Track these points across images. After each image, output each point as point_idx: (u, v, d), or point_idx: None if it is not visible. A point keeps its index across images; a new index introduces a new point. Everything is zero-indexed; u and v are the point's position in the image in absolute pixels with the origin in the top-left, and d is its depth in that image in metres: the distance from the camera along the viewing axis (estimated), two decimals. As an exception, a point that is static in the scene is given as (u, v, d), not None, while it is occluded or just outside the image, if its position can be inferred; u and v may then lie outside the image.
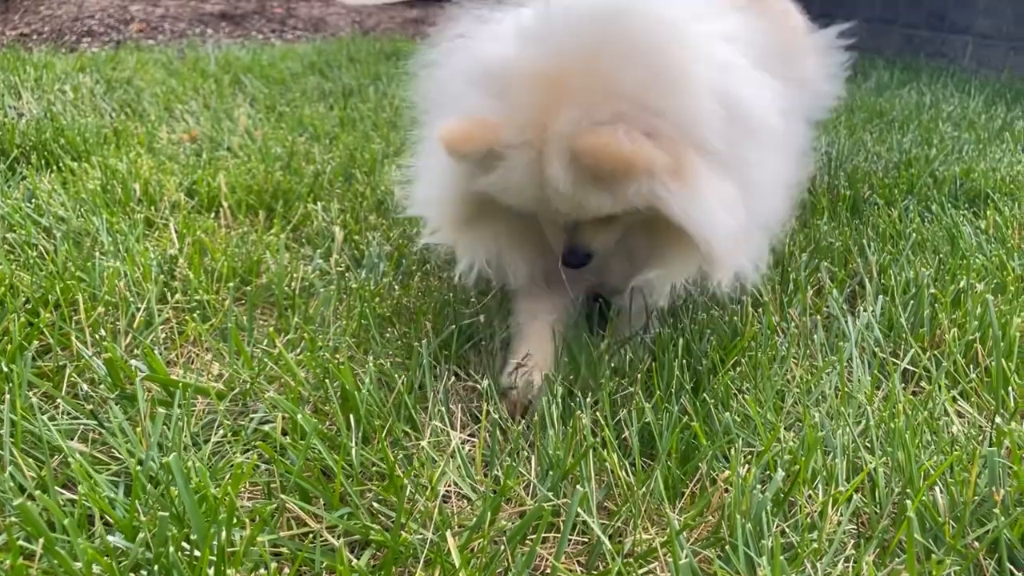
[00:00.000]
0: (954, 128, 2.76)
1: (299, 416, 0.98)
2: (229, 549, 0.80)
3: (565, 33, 1.01)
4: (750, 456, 0.99)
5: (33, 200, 1.69)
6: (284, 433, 1.02)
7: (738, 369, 1.17)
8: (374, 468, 0.98)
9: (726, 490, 0.92)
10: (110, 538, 0.79)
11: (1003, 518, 0.85)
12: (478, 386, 1.11)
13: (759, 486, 0.90)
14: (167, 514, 0.78)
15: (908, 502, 0.87)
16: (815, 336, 1.27)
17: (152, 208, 1.72)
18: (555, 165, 0.98)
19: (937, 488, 0.91)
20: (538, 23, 1.04)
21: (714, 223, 1.00)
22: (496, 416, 1.02)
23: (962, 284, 1.36)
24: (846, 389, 1.11)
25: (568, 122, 0.97)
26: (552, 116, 0.98)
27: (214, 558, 0.77)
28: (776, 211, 1.19)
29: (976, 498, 0.91)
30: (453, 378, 1.16)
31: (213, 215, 1.73)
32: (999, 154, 2.34)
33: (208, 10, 5.34)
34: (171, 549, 0.75)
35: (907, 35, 4.91)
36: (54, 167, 1.93)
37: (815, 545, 0.84)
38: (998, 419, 1.01)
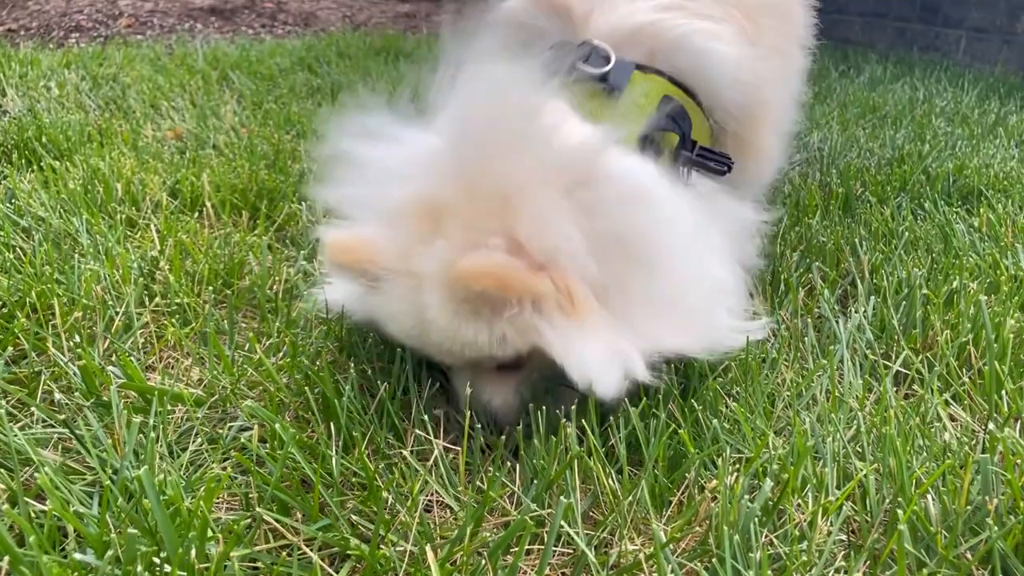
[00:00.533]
0: (947, 123, 2.75)
1: (277, 425, 0.95)
2: (202, 565, 0.78)
3: (443, 162, 0.99)
4: (739, 464, 0.97)
5: (13, 200, 1.66)
6: (263, 441, 0.99)
7: (729, 375, 1.15)
8: (354, 478, 0.95)
9: (714, 499, 0.90)
10: (76, 555, 0.76)
11: (996, 528, 0.83)
12: (468, 390, 1.09)
13: (747, 496, 0.88)
14: (136, 531, 0.75)
15: (900, 511, 0.85)
16: (806, 338, 1.25)
17: (134, 208, 1.69)
18: (429, 292, 0.94)
19: (929, 496, 0.89)
20: (422, 148, 1.02)
21: (605, 357, 0.93)
22: (479, 425, 0.99)
23: (955, 284, 1.34)
24: (837, 394, 1.09)
25: (444, 254, 0.93)
26: (428, 248, 0.95)
27: (185, 574, 0.75)
28: (731, 287, 1.09)
29: (969, 507, 0.89)
30: (438, 384, 1.13)
31: (197, 215, 1.71)
32: (992, 150, 2.32)
33: (197, 5, 5.29)
34: (139, 568, 0.73)
35: (900, 29, 4.89)
36: (35, 166, 1.90)
37: (804, 557, 0.82)
38: (991, 425, 0.99)
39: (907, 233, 1.60)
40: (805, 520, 0.88)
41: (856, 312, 1.30)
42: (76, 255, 1.43)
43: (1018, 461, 0.93)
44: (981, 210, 1.75)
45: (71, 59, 3.21)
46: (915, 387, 1.17)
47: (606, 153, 1.01)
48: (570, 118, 1.06)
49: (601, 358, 0.92)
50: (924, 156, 2.18)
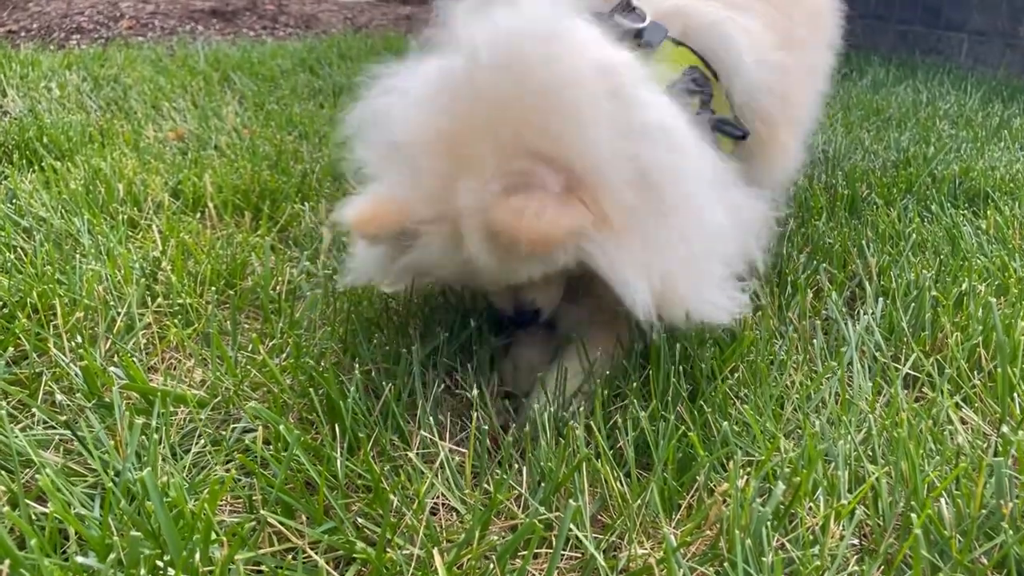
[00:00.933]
0: (951, 126, 2.74)
1: (281, 427, 0.94)
2: (206, 568, 0.77)
3: (463, 89, 0.93)
4: (749, 467, 0.96)
5: (14, 200, 1.65)
6: (267, 443, 0.98)
7: (736, 375, 1.14)
8: (360, 480, 0.94)
9: (724, 503, 0.88)
10: (78, 558, 0.75)
11: (1011, 532, 0.82)
12: (468, 395, 1.08)
13: (759, 499, 0.87)
14: (139, 534, 0.74)
15: (913, 516, 0.84)
16: (815, 340, 1.23)
17: (136, 209, 1.68)
18: (473, 242, 0.91)
19: (943, 500, 0.88)
20: (437, 79, 0.97)
21: (640, 275, 0.93)
22: (486, 426, 0.98)
23: (964, 286, 1.33)
24: (847, 396, 1.08)
25: (476, 193, 0.89)
26: (459, 187, 0.90)
27: (189, 579, 0.74)
28: (731, 242, 1.07)
29: (983, 511, 0.88)
30: (443, 386, 1.12)
31: (199, 215, 1.69)
32: (997, 152, 2.31)
33: (199, 7, 5.28)
34: (142, 571, 0.72)
35: (902, 32, 4.89)
36: (37, 166, 1.89)
37: (817, 562, 0.80)
38: (1004, 428, 0.98)
39: (914, 235, 1.59)
40: (817, 524, 0.87)
41: (865, 314, 1.29)
42: (77, 255, 1.42)
43: (1032, 464, 0.92)
44: (988, 212, 1.74)
45: (72, 60, 3.20)
46: (925, 390, 1.16)
47: (640, 76, 0.99)
48: (603, 40, 1.01)
49: (638, 273, 0.93)
50: (930, 159, 2.17)
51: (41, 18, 4.75)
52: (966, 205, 1.85)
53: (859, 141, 2.44)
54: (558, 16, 0.96)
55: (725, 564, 0.81)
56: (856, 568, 0.83)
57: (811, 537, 0.85)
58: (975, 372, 1.17)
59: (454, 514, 0.92)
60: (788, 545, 0.85)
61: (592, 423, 1.00)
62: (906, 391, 1.15)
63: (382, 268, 1.08)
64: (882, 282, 1.42)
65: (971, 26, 4.49)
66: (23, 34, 4.48)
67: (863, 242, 1.55)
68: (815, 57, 1.52)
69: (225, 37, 4.66)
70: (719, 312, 1.02)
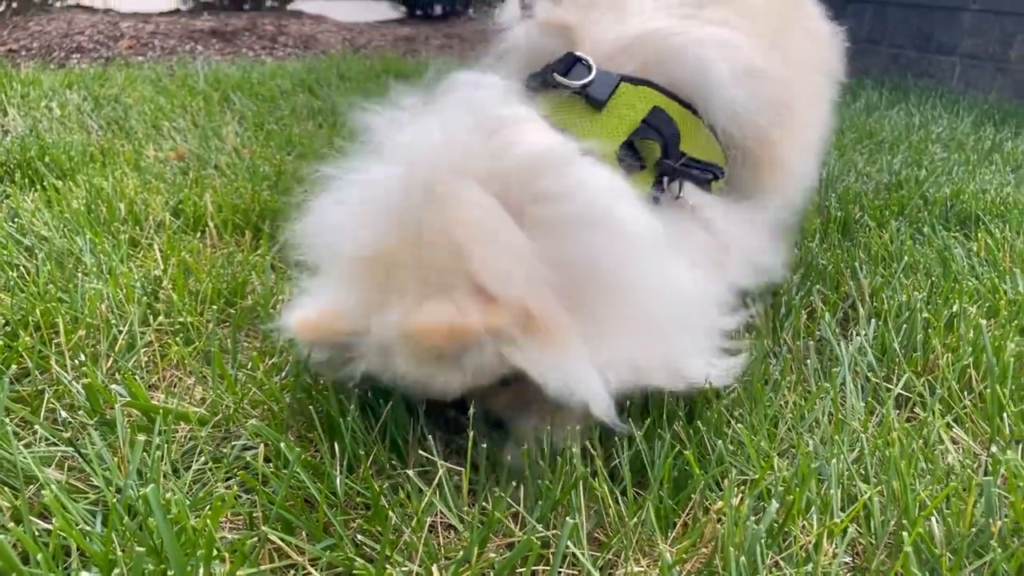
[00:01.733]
0: (944, 149, 2.77)
1: (282, 444, 0.95)
2: (208, 584, 0.78)
3: (393, 215, 0.96)
4: (744, 485, 0.98)
5: (16, 219, 1.67)
6: (267, 460, 0.99)
7: (732, 395, 1.15)
8: (359, 498, 0.95)
9: (719, 521, 0.90)
10: (83, 574, 0.76)
11: (1000, 550, 0.84)
12: (466, 414, 1.09)
13: (753, 517, 0.88)
14: (143, 550, 0.75)
15: (904, 534, 0.85)
16: (808, 361, 1.25)
17: (137, 228, 1.70)
18: (398, 354, 0.92)
19: (934, 518, 0.89)
20: (373, 200, 0.99)
21: (583, 375, 0.89)
22: (484, 445, 1.00)
23: (955, 308, 1.35)
24: (840, 416, 1.09)
25: (399, 308, 0.91)
26: (385, 300, 0.92)
27: (192, 595, 0.75)
28: (701, 309, 1.04)
29: (973, 529, 0.89)
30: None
31: (199, 234, 1.71)
32: (988, 175, 2.34)
33: (199, 27, 5.33)
34: (146, 586, 0.73)
35: (894, 55, 4.95)
36: (38, 186, 1.91)
37: (810, 579, 0.82)
38: (993, 448, 1.00)
39: (906, 257, 1.61)
40: (811, 542, 0.88)
41: (857, 335, 1.31)
42: (80, 274, 1.43)
43: (1020, 483, 0.93)
44: (979, 235, 1.77)
45: (73, 79, 3.22)
46: (916, 410, 1.17)
47: (569, 166, 0.97)
48: (536, 129, 1.00)
49: (583, 373, 0.89)
50: (921, 181, 2.19)
51: (41, 37, 4.79)
52: (957, 227, 1.88)
53: (852, 164, 2.47)
54: (493, 114, 0.98)
55: (719, 581, 0.83)
56: (849, 586, 0.85)
57: (804, 555, 0.86)
58: (966, 393, 1.18)
59: (452, 531, 0.93)
60: (782, 563, 0.86)
61: (588, 443, 1.01)
62: (898, 411, 1.17)
63: (331, 368, 1.06)
64: (875, 303, 1.45)
65: (962, 50, 4.55)
66: (23, 53, 4.52)
67: (855, 264, 1.57)
68: (817, 78, 1.46)
69: (225, 57, 4.70)
70: (700, 379, 1.00)
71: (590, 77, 1.13)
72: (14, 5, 5.30)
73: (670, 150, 1.14)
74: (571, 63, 1.16)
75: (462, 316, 0.87)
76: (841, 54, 1.59)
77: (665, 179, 1.14)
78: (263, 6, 6.51)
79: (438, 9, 7.03)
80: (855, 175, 2.32)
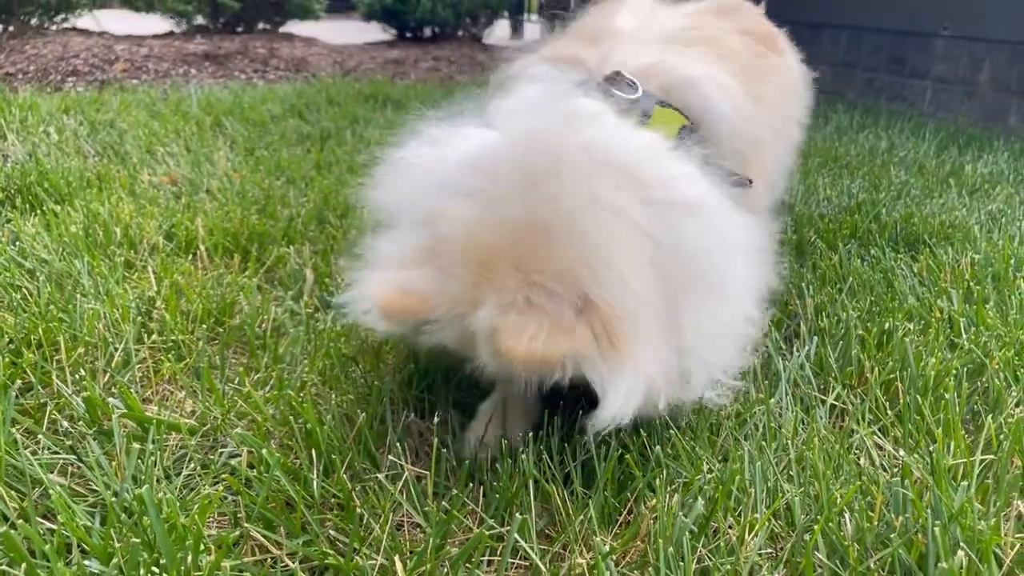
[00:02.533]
0: (905, 172, 2.90)
1: (264, 451, 1.06)
2: (196, 573, 0.88)
3: (493, 193, 1.01)
4: (680, 485, 1.08)
5: (17, 243, 1.77)
6: (251, 466, 1.10)
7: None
8: (334, 499, 1.06)
9: (654, 518, 1.00)
10: (86, 563, 0.86)
11: (900, 541, 0.95)
12: (432, 424, 1.20)
13: (681, 514, 0.99)
14: (139, 541, 0.86)
15: (817, 528, 0.96)
16: (755, 374, 1.36)
17: (132, 251, 1.80)
18: (481, 351, 0.98)
19: (847, 515, 1.00)
20: (471, 175, 1.05)
21: (633, 386, 0.96)
22: (444, 449, 1.10)
23: (887, 326, 1.47)
24: (772, 425, 1.20)
25: (489, 308, 0.97)
26: (479, 297, 0.98)
27: (181, 581, 0.85)
28: (728, 354, 1.13)
29: (881, 524, 1.00)
30: (413, 415, 1.24)
31: (191, 256, 1.82)
32: (942, 200, 2.47)
33: (192, 50, 5.46)
34: (142, 572, 0.83)
35: (868, 79, 5.10)
36: (38, 210, 2.02)
37: (729, 567, 0.92)
38: (901, 452, 1.11)
39: (851, 278, 1.73)
40: (735, 536, 0.99)
41: (798, 351, 1.42)
42: (78, 295, 1.54)
43: (927, 484, 1.05)
44: (923, 257, 1.89)
45: (69, 104, 3.33)
46: (848, 420, 1.28)
47: (666, 158, 1.07)
48: (621, 123, 1.10)
49: (633, 390, 0.96)
50: (877, 204, 2.32)
51: (38, 60, 4.90)
52: (905, 249, 2.00)
53: (815, 188, 2.59)
54: (581, 117, 1.06)
55: (650, 570, 0.93)
56: (765, 574, 0.95)
57: (728, 547, 0.97)
58: (892, 404, 1.30)
59: (418, 529, 1.04)
60: (709, 555, 0.97)
61: (544, 448, 1.12)
62: (831, 420, 1.28)
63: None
64: (818, 321, 1.56)
65: (934, 74, 4.71)
66: (20, 76, 4.63)
67: (803, 284, 1.69)
68: (785, 123, 1.61)
69: (217, 80, 4.82)
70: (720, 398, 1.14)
71: (639, 94, 1.25)
72: (11, 29, 5.42)
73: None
74: (618, 76, 1.27)
75: (549, 343, 0.93)
76: (808, 90, 1.73)
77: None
78: (255, 29, 6.65)
79: (427, 32, 7.18)
80: (817, 199, 2.45)
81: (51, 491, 0.97)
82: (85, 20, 6.03)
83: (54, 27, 5.77)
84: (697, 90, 1.31)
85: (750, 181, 1.29)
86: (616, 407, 0.95)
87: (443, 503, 1.04)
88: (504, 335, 0.94)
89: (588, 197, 0.99)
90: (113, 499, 0.99)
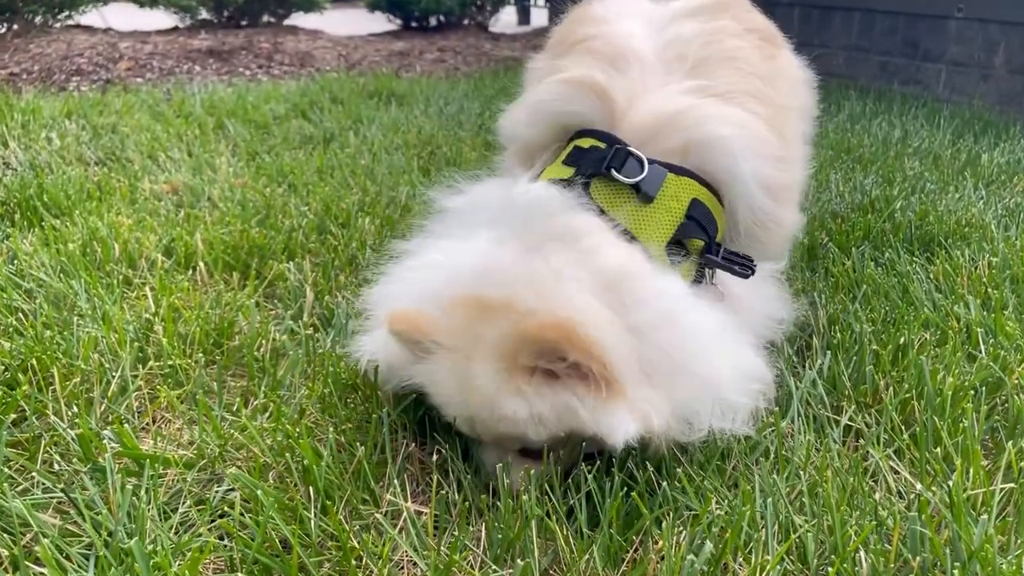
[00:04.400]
0: (920, 163, 2.84)
1: (259, 492, 1.03)
2: (188, 628, 0.86)
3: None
4: (690, 519, 1.05)
5: (15, 262, 1.75)
6: (247, 501, 1.07)
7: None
8: (332, 542, 1.03)
9: (660, 559, 0.97)
10: (73, 623, 0.84)
11: (919, 584, 0.91)
12: (435, 456, 1.17)
13: (692, 555, 0.96)
14: (127, 599, 0.83)
15: (830, 568, 0.92)
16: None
17: (130, 268, 1.77)
18: (478, 363, 1.05)
19: (862, 553, 0.97)
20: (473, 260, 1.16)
21: (629, 420, 1.04)
22: (445, 491, 1.07)
23: (902, 340, 1.42)
24: (784, 452, 1.16)
25: (498, 328, 1.06)
26: (484, 326, 1.07)
27: (171, 640, 0.83)
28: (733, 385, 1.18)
29: (898, 563, 0.96)
30: (413, 445, 1.21)
31: (190, 272, 1.79)
32: (958, 195, 2.41)
33: (196, 46, 5.42)
34: (129, 634, 0.80)
35: (882, 63, 5.01)
36: (37, 226, 1.99)
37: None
38: (918, 485, 1.07)
39: (865, 285, 1.69)
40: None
41: (810, 368, 1.38)
42: (75, 317, 1.51)
43: (944, 518, 1.01)
44: (939, 260, 1.83)
45: (72, 107, 3.31)
46: (862, 440, 1.24)
47: (642, 277, 1.14)
48: (607, 239, 1.18)
49: (627, 420, 1.04)
50: (892, 201, 2.26)
51: (42, 60, 4.88)
52: (920, 250, 1.95)
53: (827, 183, 2.53)
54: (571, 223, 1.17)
55: (657, 617, 0.90)
56: (778, 618, 0.92)
57: (738, 590, 0.93)
58: (907, 425, 1.25)
59: (417, 567, 1.01)
60: (718, 597, 0.94)
61: (546, 484, 1.09)
62: (843, 441, 1.24)
63: (396, 364, 1.19)
64: (832, 333, 1.52)
65: (948, 57, 4.61)
66: (24, 77, 4.61)
67: (815, 293, 1.64)
68: (801, 128, 1.60)
69: (221, 77, 4.78)
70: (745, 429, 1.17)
71: (643, 175, 1.25)
72: (15, 27, 5.40)
73: (711, 245, 1.29)
74: (624, 157, 1.27)
75: (577, 326, 1.01)
76: (813, 96, 1.75)
77: (707, 269, 1.31)
78: (260, 22, 6.60)
79: (433, 21, 7.11)
80: (829, 195, 2.39)
81: (40, 541, 0.95)
82: (90, 16, 6.00)
83: (58, 25, 5.74)
84: (723, 153, 1.31)
85: (753, 270, 1.29)
86: (614, 437, 1.03)
87: (443, 549, 1.01)
88: (529, 321, 1.03)
89: (571, 311, 1.06)
90: (104, 548, 0.97)
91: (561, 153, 1.38)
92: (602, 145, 1.30)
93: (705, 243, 1.28)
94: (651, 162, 1.26)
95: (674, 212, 1.26)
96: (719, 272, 1.32)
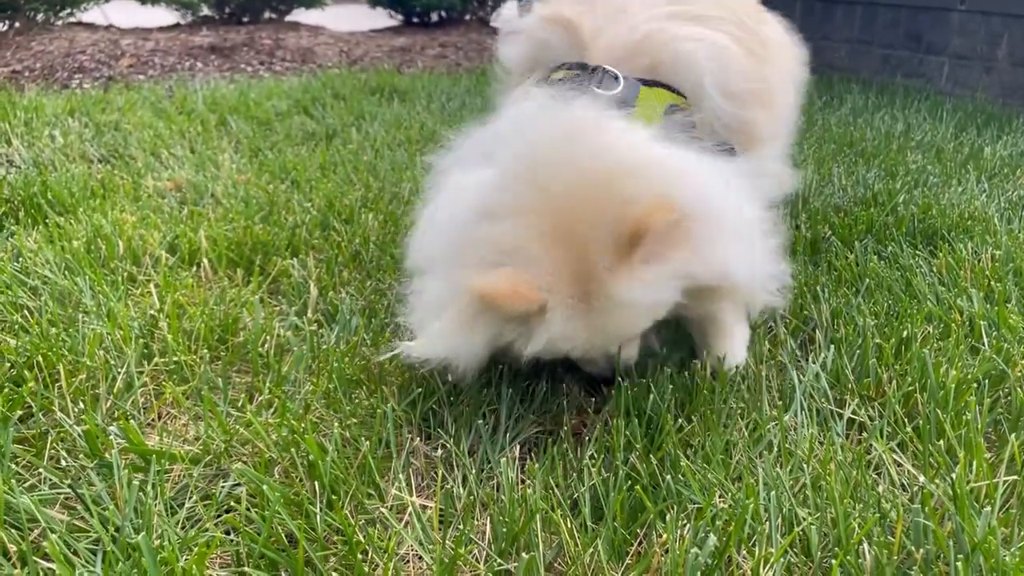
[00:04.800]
0: (923, 156, 2.83)
1: (265, 487, 1.04)
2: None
3: (537, 179, 1.13)
4: (694, 512, 1.05)
5: (20, 259, 1.75)
6: (252, 496, 1.08)
7: (691, 425, 1.23)
8: (337, 536, 1.03)
9: (665, 552, 0.97)
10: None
11: (921, 575, 0.91)
12: (439, 451, 1.18)
13: (696, 548, 0.96)
14: (135, 593, 0.84)
15: (834, 560, 0.93)
16: (770, 386, 1.33)
17: (135, 265, 1.78)
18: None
19: (866, 545, 0.97)
20: (509, 178, 1.17)
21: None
22: (449, 485, 1.08)
23: (905, 334, 1.42)
24: (787, 446, 1.17)
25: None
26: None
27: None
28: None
29: (902, 554, 0.97)
30: (418, 439, 1.21)
31: (195, 268, 1.79)
32: (960, 188, 2.40)
33: (198, 43, 5.42)
34: (138, 628, 0.81)
35: (884, 55, 4.99)
36: (40, 224, 2.00)
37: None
38: (922, 478, 1.07)
39: (868, 279, 1.69)
40: (749, 568, 0.96)
41: (814, 362, 1.38)
42: (80, 314, 1.52)
43: (948, 511, 1.01)
44: (942, 253, 1.83)
45: (74, 105, 3.31)
46: (865, 432, 1.25)
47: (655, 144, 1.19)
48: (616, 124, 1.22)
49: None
50: (894, 194, 2.26)
51: (44, 57, 4.88)
52: (923, 244, 1.95)
53: (830, 177, 2.53)
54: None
55: (662, 609, 0.91)
56: (782, 610, 0.92)
57: (742, 582, 0.94)
58: (911, 418, 1.26)
59: (423, 562, 1.01)
60: (722, 590, 0.94)
61: (552, 479, 1.09)
62: (847, 434, 1.24)
63: (470, 348, 1.14)
64: (835, 326, 1.52)
65: (951, 50, 4.60)
66: (27, 74, 4.61)
67: (818, 287, 1.65)
68: (784, 80, 1.68)
69: (223, 73, 4.78)
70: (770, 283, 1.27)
71: (619, 88, 1.34)
72: (16, 25, 5.40)
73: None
74: (601, 75, 1.37)
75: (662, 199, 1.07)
76: (801, 60, 1.82)
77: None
78: (261, 19, 6.60)
79: (434, 16, 7.09)
80: (831, 189, 2.39)
81: (48, 536, 0.95)
82: (91, 13, 6.00)
83: (60, 22, 5.74)
84: (688, 65, 1.40)
85: (732, 149, 1.38)
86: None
87: (448, 543, 1.02)
88: (627, 215, 1.07)
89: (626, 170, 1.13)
90: (112, 543, 0.97)
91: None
92: (576, 72, 1.39)
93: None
94: (625, 77, 1.35)
95: (652, 120, 1.33)
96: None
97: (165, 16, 6.39)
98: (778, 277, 1.28)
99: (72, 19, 5.86)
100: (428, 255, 1.23)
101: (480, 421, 1.22)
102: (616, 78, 1.35)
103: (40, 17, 5.58)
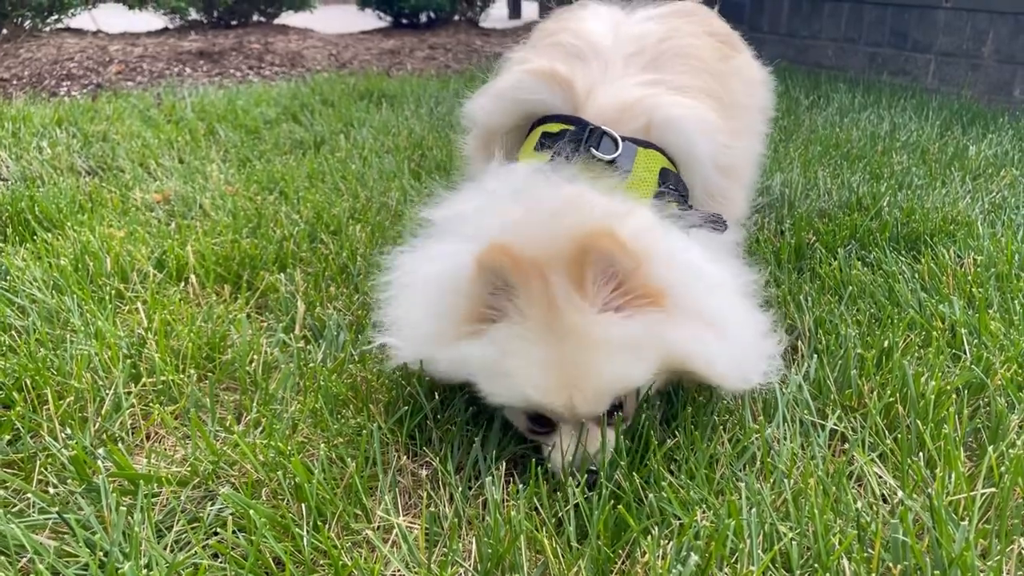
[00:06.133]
0: (908, 157, 2.85)
1: (251, 511, 1.05)
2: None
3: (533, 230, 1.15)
4: (677, 529, 1.06)
5: (7, 278, 1.76)
6: (238, 531, 1.08)
7: (675, 439, 1.24)
8: (324, 559, 1.04)
9: (646, 573, 0.99)
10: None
11: (900, 591, 0.93)
12: (425, 470, 1.18)
13: (679, 567, 0.97)
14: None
15: (813, 578, 0.94)
16: (753, 398, 1.34)
17: (123, 281, 1.78)
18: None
19: (844, 560, 0.98)
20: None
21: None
22: (434, 508, 1.09)
23: (887, 343, 1.44)
24: (768, 460, 1.18)
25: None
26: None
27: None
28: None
29: (880, 570, 0.98)
30: (404, 457, 1.22)
31: (182, 284, 1.80)
32: (944, 190, 2.42)
33: (186, 48, 5.42)
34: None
35: (871, 54, 5.01)
36: (28, 240, 2.00)
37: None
38: (900, 492, 1.08)
39: (851, 287, 1.70)
40: (731, 587, 0.97)
41: (796, 374, 1.39)
42: (68, 333, 1.52)
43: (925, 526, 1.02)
44: (925, 259, 1.85)
45: (62, 115, 3.31)
46: (847, 444, 1.26)
47: (628, 216, 1.19)
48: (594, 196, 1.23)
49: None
50: (879, 197, 2.28)
51: (32, 65, 4.87)
52: (906, 249, 1.96)
53: (815, 180, 2.55)
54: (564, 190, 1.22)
55: (644, 629, 0.92)
56: (762, 628, 0.94)
57: (723, 600, 0.95)
58: (891, 429, 1.27)
59: (409, 584, 1.03)
60: (704, 608, 0.95)
61: (536, 499, 1.10)
62: (831, 444, 1.25)
63: (439, 340, 1.19)
64: (818, 335, 1.53)
65: (937, 48, 4.62)
66: (15, 82, 4.60)
67: (801, 297, 1.66)
68: (753, 124, 1.73)
69: (212, 79, 4.78)
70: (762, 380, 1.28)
71: (618, 152, 1.38)
72: (4, 32, 5.38)
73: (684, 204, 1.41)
74: (600, 137, 1.39)
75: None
76: (770, 94, 1.91)
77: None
78: (250, 22, 6.59)
79: (423, 17, 7.09)
80: (817, 193, 2.41)
81: (36, 556, 0.96)
82: (80, 19, 5.98)
83: (47, 29, 5.72)
84: (680, 132, 1.44)
85: (725, 227, 1.40)
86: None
87: (433, 565, 1.03)
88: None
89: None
90: (99, 568, 0.98)
91: (528, 140, 1.49)
92: (572, 128, 1.41)
93: (678, 203, 1.38)
94: (623, 139, 1.38)
95: (647, 182, 1.37)
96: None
97: (153, 21, 6.38)
98: (770, 357, 1.29)
99: (60, 25, 5.84)
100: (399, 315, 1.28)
101: (466, 438, 1.23)
102: (614, 141, 1.38)
103: (28, 24, 5.56)
